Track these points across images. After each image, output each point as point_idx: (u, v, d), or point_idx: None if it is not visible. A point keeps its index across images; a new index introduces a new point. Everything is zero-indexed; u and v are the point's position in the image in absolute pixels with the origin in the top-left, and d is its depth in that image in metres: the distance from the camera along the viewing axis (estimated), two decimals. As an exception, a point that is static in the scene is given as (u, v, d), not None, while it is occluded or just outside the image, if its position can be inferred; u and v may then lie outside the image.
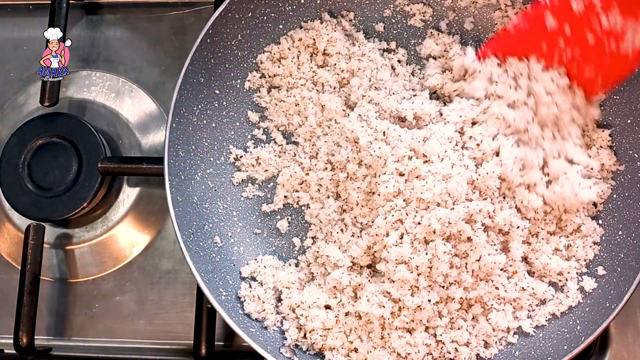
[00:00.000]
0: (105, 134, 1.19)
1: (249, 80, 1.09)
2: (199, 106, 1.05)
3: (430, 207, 0.94)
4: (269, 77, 1.10)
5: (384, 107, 1.02)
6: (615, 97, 1.02)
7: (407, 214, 0.95)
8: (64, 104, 1.19)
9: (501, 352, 0.97)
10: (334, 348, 0.97)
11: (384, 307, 0.95)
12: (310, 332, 0.98)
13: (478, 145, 0.98)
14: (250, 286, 1.01)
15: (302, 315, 0.98)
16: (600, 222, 1.00)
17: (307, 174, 1.06)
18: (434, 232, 0.93)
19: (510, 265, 0.98)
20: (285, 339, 0.98)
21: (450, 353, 0.96)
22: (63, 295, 1.15)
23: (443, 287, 0.95)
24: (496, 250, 0.96)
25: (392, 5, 1.11)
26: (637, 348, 1.03)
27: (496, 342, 0.97)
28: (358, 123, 1.00)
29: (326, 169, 1.05)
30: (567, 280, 0.99)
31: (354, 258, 0.99)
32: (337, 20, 1.10)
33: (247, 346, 0.93)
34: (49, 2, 1.17)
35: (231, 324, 0.93)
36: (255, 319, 0.99)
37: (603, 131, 1.02)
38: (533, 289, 0.98)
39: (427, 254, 0.93)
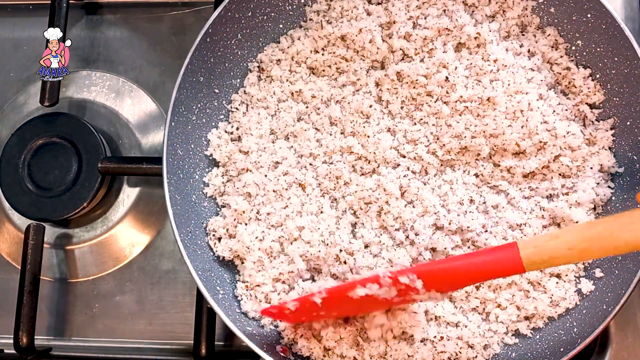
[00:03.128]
0: (105, 134, 1.19)
1: (248, 79, 1.09)
2: (199, 105, 1.05)
3: None
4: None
5: None
6: (615, 99, 1.01)
7: None
8: (64, 104, 1.19)
9: (498, 353, 0.97)
10: (329, 349, 0.97)
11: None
12: (305, 333, 0.98)
13: None
14: (247, 285, 1.01)
15: None
16: (599, 224, 1.00)
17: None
18: None
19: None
20: (282, 338, 0.98)
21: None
22: (63, 295, 1.15)
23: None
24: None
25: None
26: (637, 348, 1.03)
27: (494, 343, 0.97)
28: None
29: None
30: (564, 282, 0.98)
31: None
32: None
33: (247, 346, 0.93)
34: (49, 2, 1.17)
35: (227, 322, 0.93)
36: (252, 318, 0.99)
37: (607, 131, 1.01)
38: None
39: None
